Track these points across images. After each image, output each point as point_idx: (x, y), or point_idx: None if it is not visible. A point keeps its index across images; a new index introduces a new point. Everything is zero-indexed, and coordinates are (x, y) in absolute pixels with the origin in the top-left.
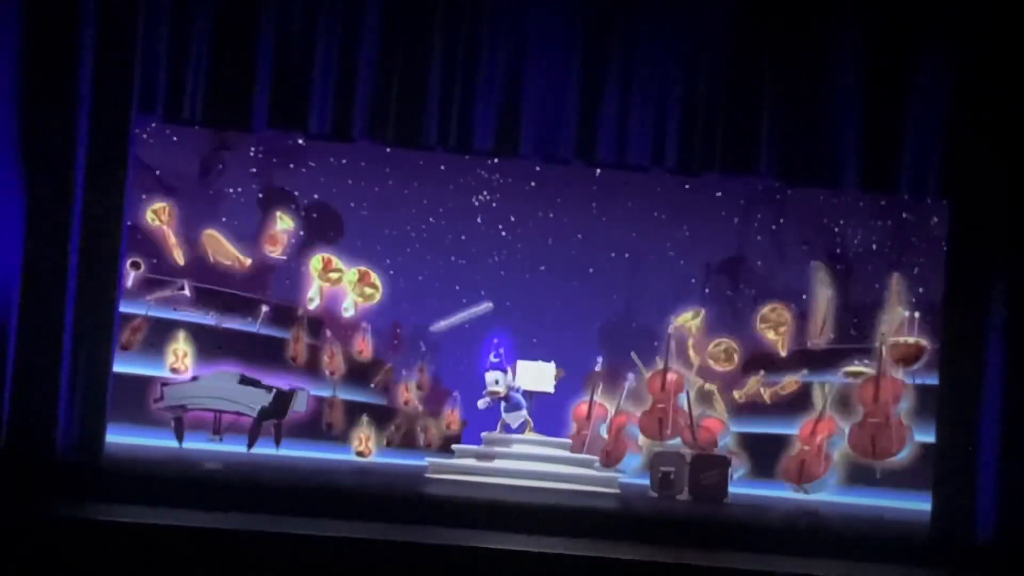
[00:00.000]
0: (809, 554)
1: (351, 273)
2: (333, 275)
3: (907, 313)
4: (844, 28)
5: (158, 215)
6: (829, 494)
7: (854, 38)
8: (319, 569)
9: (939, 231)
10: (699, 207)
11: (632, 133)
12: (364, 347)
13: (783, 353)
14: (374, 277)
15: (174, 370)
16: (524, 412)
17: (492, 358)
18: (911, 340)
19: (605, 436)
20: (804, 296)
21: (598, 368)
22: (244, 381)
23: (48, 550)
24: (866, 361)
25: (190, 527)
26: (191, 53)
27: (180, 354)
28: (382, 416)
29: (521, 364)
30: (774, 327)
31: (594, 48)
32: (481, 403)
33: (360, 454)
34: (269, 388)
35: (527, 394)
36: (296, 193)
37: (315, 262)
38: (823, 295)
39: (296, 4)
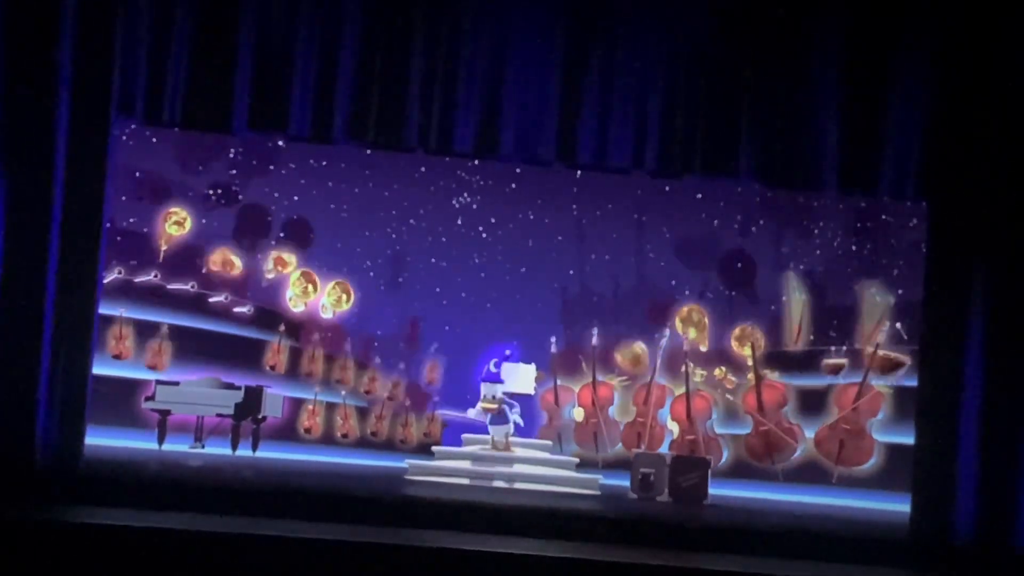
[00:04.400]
0: (789, 555)
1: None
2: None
3: (881, 320)
4: (823, 31)
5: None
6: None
7: (833, 41)
8: (299, 571)
9: (918, 233)
10: (679, 209)
11: (612, 136)
12: (346, 374)
13: (750, 363)
14: (347, 286)
15: (151, 366)
16: (509, 427)
17: (491, 367)
18: (892, 355)
19: (577, 419)
20: (784, 298)
21: (554, 349)
22: (219, 385)
23: (26, 553)
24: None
25: (170, 529)
26: (170, 55)
27: (157, 349)
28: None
29: (503, 366)
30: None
31: (575, 51)
32: (472, 413)
33: (344, 435)
34: (239, 387)
35: (511, 399)
36: (276, 195)
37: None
38: (798, 301)
39: (276, 6)
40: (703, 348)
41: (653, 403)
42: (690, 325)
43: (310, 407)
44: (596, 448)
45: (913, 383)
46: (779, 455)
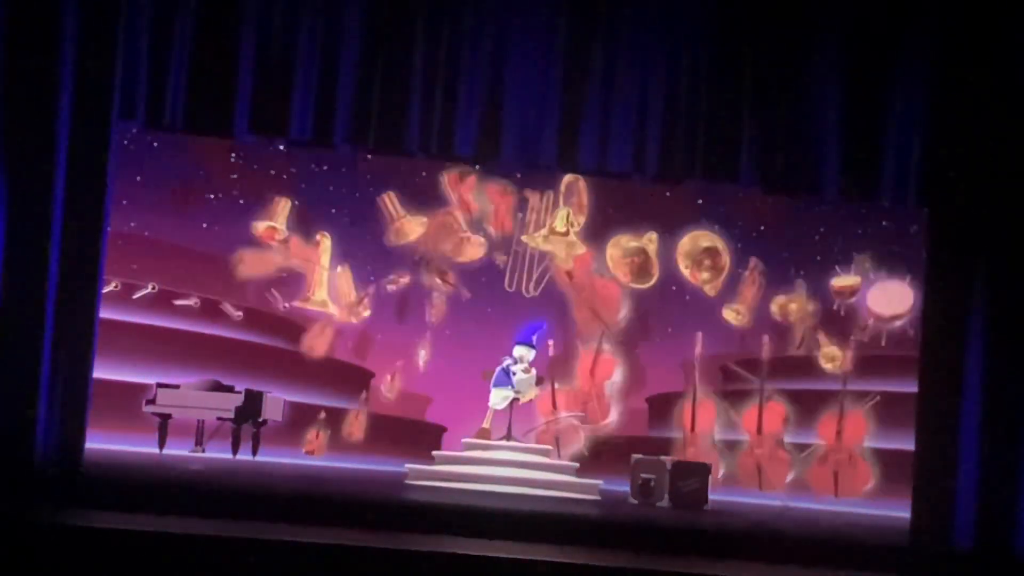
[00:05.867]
0: (789, 561)
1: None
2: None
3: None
4: (824, 37)
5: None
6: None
7: (834, 46)
8: (298, 575)
9: (918, 239)
10: (680, 214)
11: (613, 140)
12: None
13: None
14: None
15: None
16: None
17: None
18: (848, 281)
19: (575, 422)
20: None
21: (551, 352)
22: (218, 387)
23: (26, 556)
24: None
25: (170, 533)
26: (172, 59)
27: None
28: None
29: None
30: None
31: (575, 55)
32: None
33: (310, 453)
34: (239, 391)
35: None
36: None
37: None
38: (803, 311)
39: (277, 10)
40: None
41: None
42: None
43: (314, 431)
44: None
45: (912, 388)
46: (767, 482)
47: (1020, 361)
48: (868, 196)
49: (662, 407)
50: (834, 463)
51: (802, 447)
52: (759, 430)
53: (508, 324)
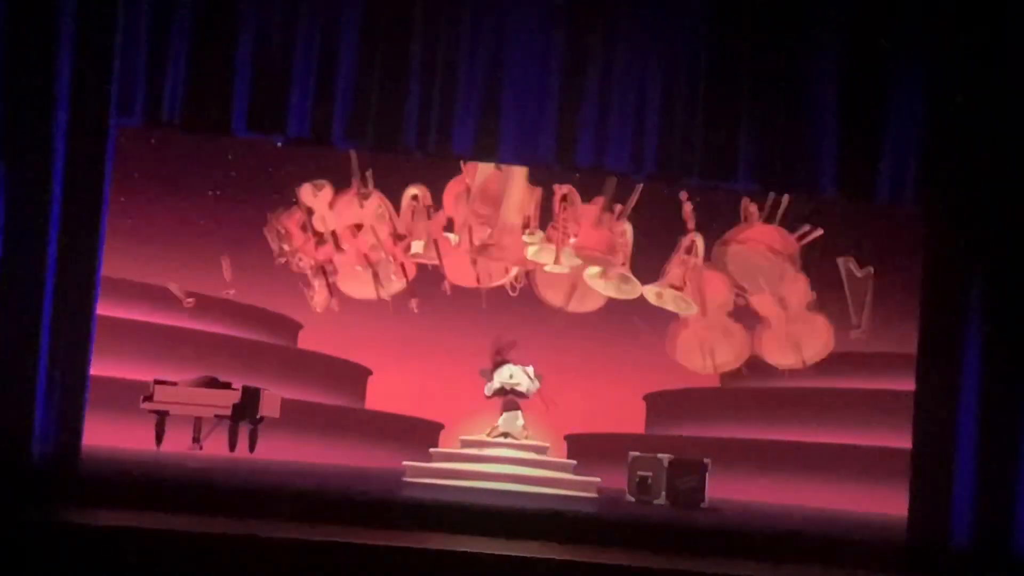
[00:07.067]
0: (787, 559)
1: None
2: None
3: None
4: (821, 36)
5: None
6: None
7: (833, 46)
8: (296, 573)
9: (916, 237)
10: (678, 213)
11: (612, 138)
12: None
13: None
14: None
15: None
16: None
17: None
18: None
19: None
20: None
21: None
22: (215, 384)
23: (24, 554)
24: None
25: (167, 531)
26: (170, 56)
27: None
28: None
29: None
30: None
31: (574, 53)
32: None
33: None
34: (235, 388)
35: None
36: (276, 197)
37: None
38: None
39: (275, 7)
40: None
41: None
42: None
43: None
44: None
45: (910, 387)
46: (719, 354)
47: (1018, 361)
48: (866, 196)
49: (661, 405)
50: (790, 333)
51: None
52: (703, 307)
53: (506, 323)
